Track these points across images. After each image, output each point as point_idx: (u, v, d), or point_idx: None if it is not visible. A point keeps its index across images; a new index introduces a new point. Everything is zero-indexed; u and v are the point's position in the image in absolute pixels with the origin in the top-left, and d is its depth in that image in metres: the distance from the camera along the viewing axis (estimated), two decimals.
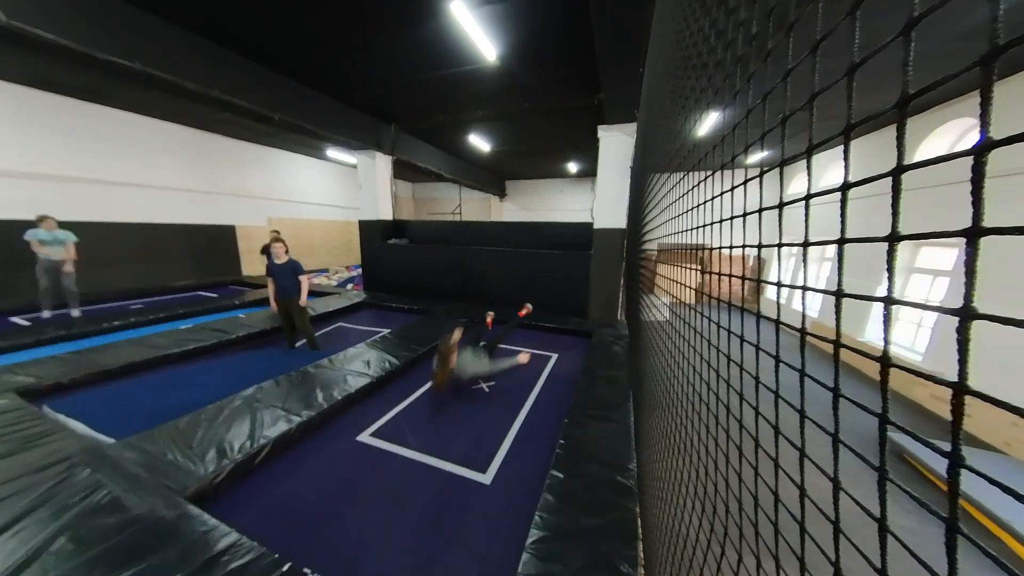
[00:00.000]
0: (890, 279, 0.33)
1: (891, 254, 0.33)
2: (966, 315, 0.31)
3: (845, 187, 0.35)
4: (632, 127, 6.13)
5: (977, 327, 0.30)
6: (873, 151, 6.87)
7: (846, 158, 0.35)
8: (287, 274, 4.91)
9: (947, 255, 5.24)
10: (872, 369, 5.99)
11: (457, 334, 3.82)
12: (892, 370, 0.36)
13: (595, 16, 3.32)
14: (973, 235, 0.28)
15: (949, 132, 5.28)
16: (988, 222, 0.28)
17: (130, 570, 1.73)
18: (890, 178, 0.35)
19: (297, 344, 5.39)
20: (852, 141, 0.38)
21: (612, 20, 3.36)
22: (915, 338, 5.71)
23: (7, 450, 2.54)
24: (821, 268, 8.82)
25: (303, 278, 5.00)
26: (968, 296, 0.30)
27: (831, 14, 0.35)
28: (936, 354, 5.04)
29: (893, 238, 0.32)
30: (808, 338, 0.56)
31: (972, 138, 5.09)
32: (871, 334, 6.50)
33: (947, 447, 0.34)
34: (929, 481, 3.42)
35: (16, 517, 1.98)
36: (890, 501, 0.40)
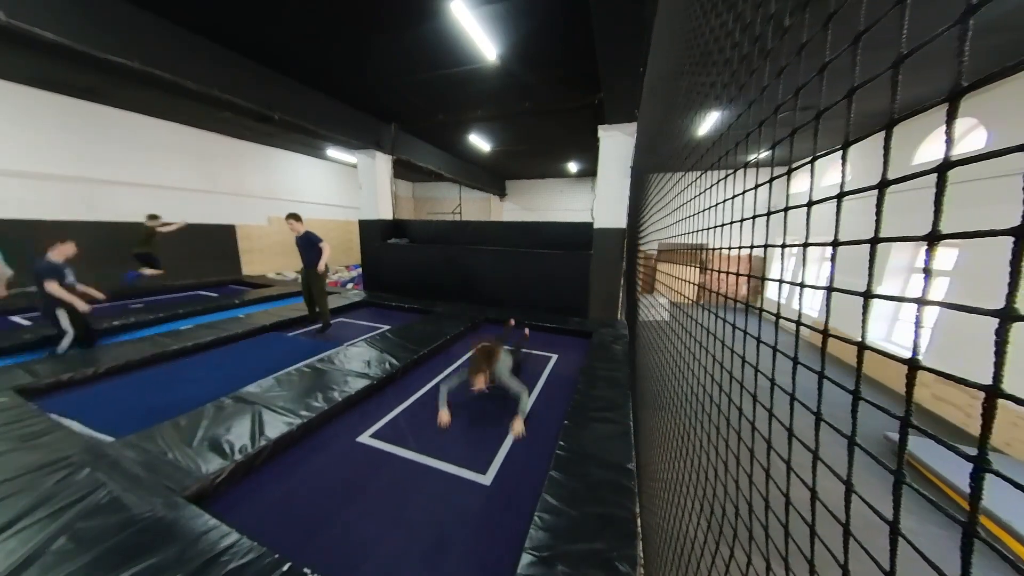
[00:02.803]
0: (926, 280, 0.32)
1: (930, 254, 0.32)
2: (1007, 316, 0.30)
3: (882, 184, 0.34)
4: (632, 127, 6.13)
5: (978, 326, 0.29)
6: (863, 155, 6.87)
7: (886, 155, 0.34)
8: (304, 246, 5.27)
9: (947, 255, 5.24)
10: (870, 367, 6.00)
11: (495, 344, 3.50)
12: (892, 369, 0.36)
13: (595, 16, 3.31)
14: (1022, 234, 0.27)
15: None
16: (976, 225, 0.27)
17: (130, 570, 1.71)
18: (883, 182, 0.34)
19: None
20: (845, 146, 0.37)
21: (612, 20, 3.35)
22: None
23: (6, 449, 2.52)
24: (821, 268, 8.85)
25: (323, 245, 5.31)
26: (1010, 296, 0.29)
27: (871, 6, 0.34)
28: (937, 354, 5.04)
29: (933, 237, 0.32)
30: (809, 335, 0.55)
31: (973, 139, 5.08)
32: (872, 334, 6.52)
33: (957, 448, 0.34)
34: (929, 481, 3.42)
35: (16, 517, 1.96)
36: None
